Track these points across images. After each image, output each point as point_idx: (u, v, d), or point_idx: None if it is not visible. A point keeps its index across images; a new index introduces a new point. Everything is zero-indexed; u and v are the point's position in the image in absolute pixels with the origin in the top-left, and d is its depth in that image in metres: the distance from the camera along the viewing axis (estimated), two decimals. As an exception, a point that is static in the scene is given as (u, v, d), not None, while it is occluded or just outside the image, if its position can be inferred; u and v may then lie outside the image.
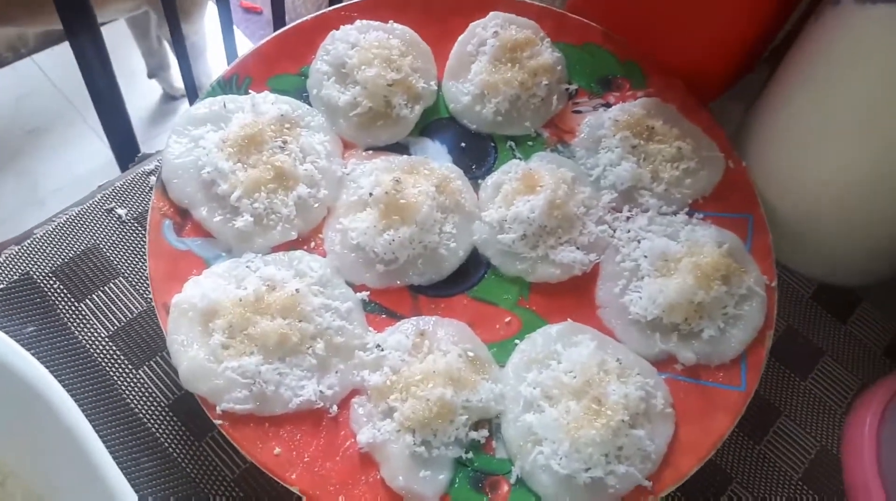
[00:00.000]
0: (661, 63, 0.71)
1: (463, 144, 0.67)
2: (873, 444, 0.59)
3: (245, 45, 2.05)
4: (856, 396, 0.62)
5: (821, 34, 0.59)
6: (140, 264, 0.62)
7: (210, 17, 1.53)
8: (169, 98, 2.03)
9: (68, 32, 0.96)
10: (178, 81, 1.94)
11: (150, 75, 1.95)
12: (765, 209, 0.65)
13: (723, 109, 0.75)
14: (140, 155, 0.69)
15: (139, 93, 2.01)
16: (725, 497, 0.58)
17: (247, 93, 0.64)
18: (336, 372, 0.54)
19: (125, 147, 1.18)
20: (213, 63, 1.77)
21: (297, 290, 0.55)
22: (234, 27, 2.13)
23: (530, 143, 0.68)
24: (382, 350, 0.55)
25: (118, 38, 1.80)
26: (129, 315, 0.60)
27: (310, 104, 0.66)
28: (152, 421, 0.56)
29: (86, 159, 1.86)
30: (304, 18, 0.68)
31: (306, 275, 0.57)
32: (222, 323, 0.53)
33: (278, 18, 1.16)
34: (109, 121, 1.13)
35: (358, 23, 0.68)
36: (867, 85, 0.55)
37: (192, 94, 1.27)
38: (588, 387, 0.53)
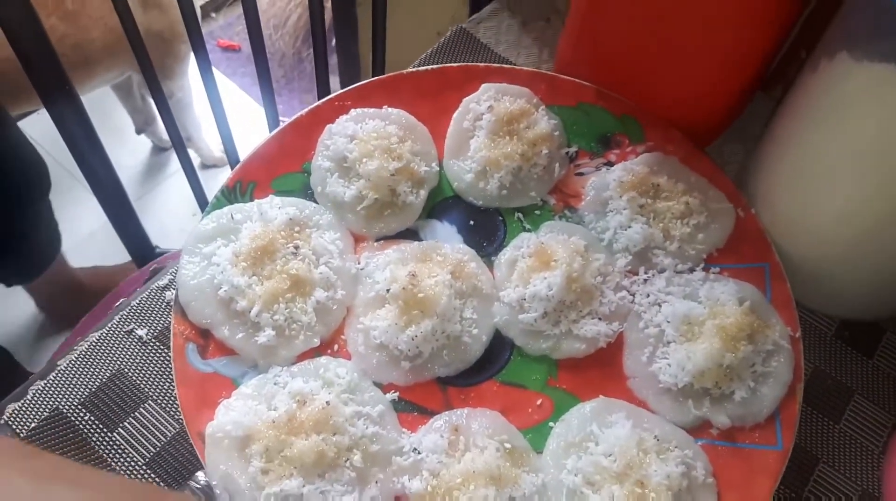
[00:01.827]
0: (656, 113, 0.71)
1: (471, 222, 0.67)
2: (914, 482, 0.59)
3: (226, 85, 2.05)
4: (891, 434, 0.63)
5: (817, 84, 0.58)
6: (167, 384, 0.62)
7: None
8: (159, 150, 2.03)
9: (51, 113, 0.95)
10: (167, 134, 1.94)
11: (139, 131, 1.95)
12: (778, 254, 0.65)
13: (722, 151, 0.75)
14: (153, 268, 0.69)
15: (129, 148, 2.01)
16: (775, 555, 0.58)
17: (252, 198, 0.65)
18: (376, 482, 0.54)
19: (127, 225, 1.18)
20: (200, 112, 1.77)
21: (327, 403, 0.55)
22: (214, 69, 2.13)
23: (538, 212, 0.68)
24: (419, 453, 0.55)
25: (102, 97, 1.80)
26: (164, 439, 0.60)
27: (315, 201, 0.66)
28: (200, 547, 0.56)
29: (86, 220, 1.85)
30: (300, 114, 0.68)
31: (334, 383, 0.57)
32: (258, 448, 0.53)
33: (259, 54, 1.13)
34: (106, 199, 1.13)
35: (353, 112, 0.68)
36: (867, 134, 0.55)
37: (181, 147, 1.25)
38: (629, 470, 0.53)
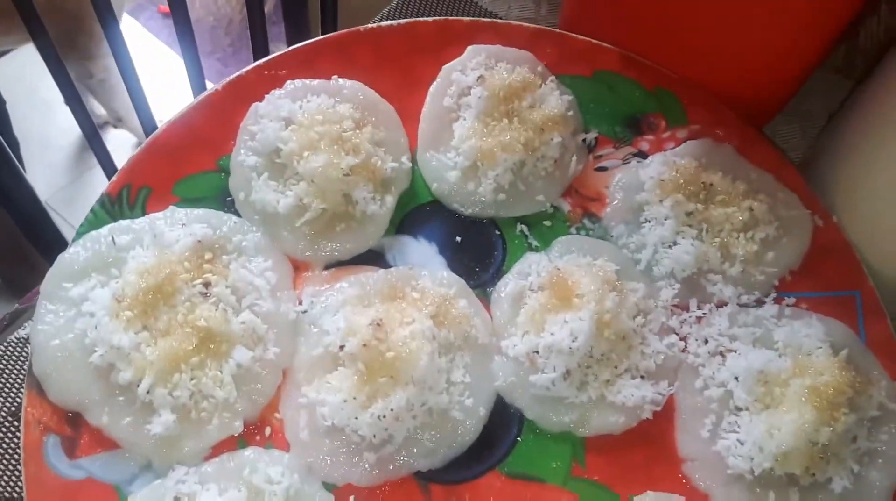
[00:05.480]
0: (701, 85, 0.53)
1: (458, 238, 0.50)
2: None
3: (167, 56, 1.82)
4: None
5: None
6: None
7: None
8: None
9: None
10: (98, 108, 1.74)
11: (67, 102, 1.72)
12: (871, 278, 0.49)
13: (775, 132, 0.58)
14: (14, 310, 0.49)
15: (59, 124, 1.79)
16: None
17: (144, 212, 0.46)
18: None
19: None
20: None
21: (256, 529, 0.37)
22: (154, 38, 1.90)
23: (547, 222, 0.51)
24: None
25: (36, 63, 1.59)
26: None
27: (237, 214, 0.47)
28: None
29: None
30: (213, 88, 0.49)
31: (265, 492, 0.39)
32: None
33: (180, 16, 0.82)
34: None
35: (289, 84, 0.50)
36: None
37: (94, 137, 1.00)
38: None
